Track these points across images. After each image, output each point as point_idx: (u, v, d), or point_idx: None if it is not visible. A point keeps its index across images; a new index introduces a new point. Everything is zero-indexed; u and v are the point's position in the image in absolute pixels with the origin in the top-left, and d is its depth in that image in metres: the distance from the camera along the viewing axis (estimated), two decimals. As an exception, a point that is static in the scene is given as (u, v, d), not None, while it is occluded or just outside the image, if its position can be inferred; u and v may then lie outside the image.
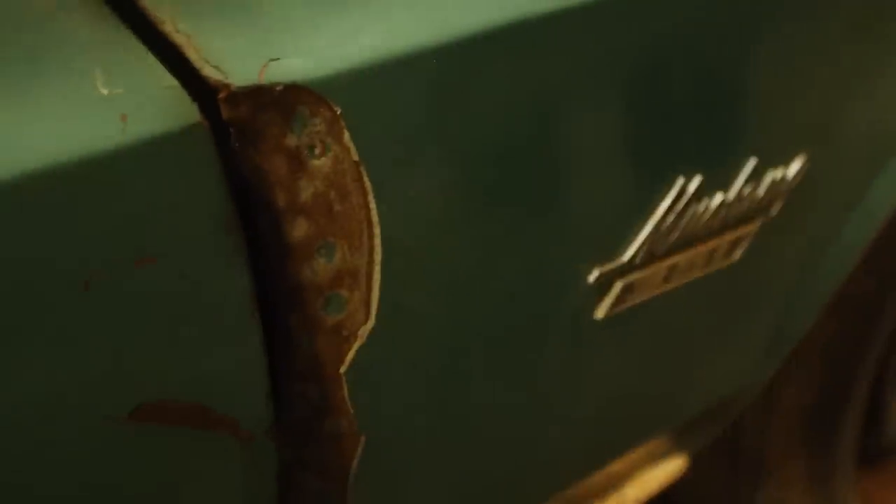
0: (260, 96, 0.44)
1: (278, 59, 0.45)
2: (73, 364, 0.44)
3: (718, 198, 0.73)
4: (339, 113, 0.46)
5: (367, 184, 0.49)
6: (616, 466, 0.98)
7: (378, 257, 0.53)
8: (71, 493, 0.48)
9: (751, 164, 0.73)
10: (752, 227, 0.79)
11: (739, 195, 0.74)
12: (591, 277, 0.66)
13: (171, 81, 0.44)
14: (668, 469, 1.04)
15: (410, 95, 0.50)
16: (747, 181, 0.73)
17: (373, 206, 0.51)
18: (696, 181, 0.69)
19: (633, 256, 0.69)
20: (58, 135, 0.40)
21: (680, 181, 0.67)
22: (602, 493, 1.01)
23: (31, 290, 0.41)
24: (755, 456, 1.22)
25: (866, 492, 1.42)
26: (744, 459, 1.23)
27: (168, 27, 0.44)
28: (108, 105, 0.41)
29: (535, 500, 0.87)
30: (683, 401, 0.97)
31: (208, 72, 0.44)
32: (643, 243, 0.68)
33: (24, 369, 0.43)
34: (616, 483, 1.01)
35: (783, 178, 0.78)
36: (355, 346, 0.55)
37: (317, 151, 0.48)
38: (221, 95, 0.43)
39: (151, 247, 0.44)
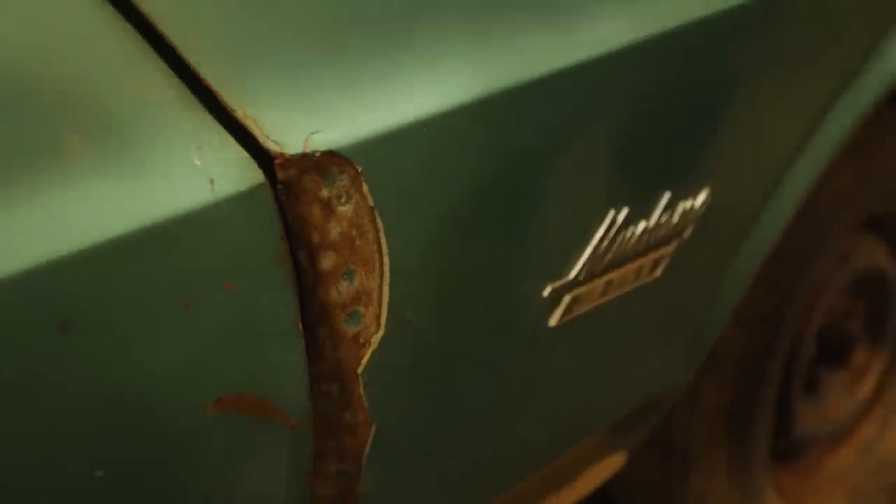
0: (304, 161, 0.59)
1: (317, 132, 0.60)
2: (177, 363, 0.59)
3: (642, 225, 0.87)
4: (359, 170, 0.61)
5: (380, 224, 0.64)
6: (562, 461, 1.08)
7: (387, 280, 0.67)
8: (166, 469, 0.62)
9: (666, 196, 0.88)
10: (669, 248, 0.93)
11: (658, 222, 0.88)
12: (546, 292, 0.81)
13: (242, 153, 0.58)
14: (609, 464, 1.17)
15: (410, 157, 0.66)
16: (664, 211, 0.88)
17: (384, 241, 0.65)
18: (624, 212, 0.83)
19: (578, 274, 0.83)
20: (171, 195, 0.55)
21: (612, 213, 0.82)
22: (550, 487, 1.11)
23: (150, 308, 0.56)
24: (682, 450, 1.35)
25: (781, 483, 1.53)
26: (673, 454, 1.35)
27: (240, 113, 0.58)
28: (201, 173, 0.56)
29: (503, 488, 1.00)
30: (619, 398, 1.10)
31: (268, 145, 0.58)
32: (585, 263, 0.83)
33: (144, 366, 0.57)
34: (563, 478, 1.13)
35: (692, 208, 0.92)
36: (369, 352, 0.69)
37: (342, 200, 0.62)
38: (277, 162, 0.58)
39: (231, 275, 0.58)
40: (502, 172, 0.75)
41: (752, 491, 1.46)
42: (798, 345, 1.47)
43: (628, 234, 0.88)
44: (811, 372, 1.55)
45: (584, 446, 1.13)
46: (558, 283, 0.84)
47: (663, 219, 0.91)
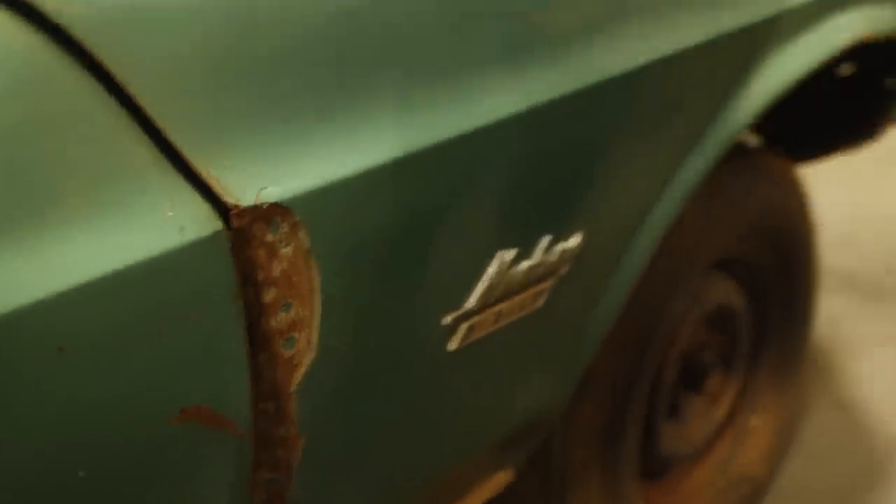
0: (254, 212, 0.70)
1: (265, 188, 0.70)
2: (151, 380, 0.69)
3: (526, 263, 0.99)
4: (297, 219, 0.72)
5: (313, 263, 0.75)
6: (457, 475, 1.17)
7: (318, 310, 0.77)
8: (138, 470, 0.71)
9: (546, 239, 1.00)
10: (549, 283, 1.04)
11: (539, 261, 1.00)
12: (445, 321, 0.92)
13: (206, 206, 0.69)
14: (498, 479, 1.22)
15: (339, 207, 0.77)
16: (544, 251, 1.00)
17: (316, 277, 0.76)
18: (511, 253, 0.96)
19: (473, 305, 0.94)
20: (149, 240, 0.65)
21: (501, 253, 0.95)
22: (448, 501, 1.18)
23: (131, 334, 0.66)
24: (560, 469, 1.39)
25: (649, 498, 1.62)
26: (552, 473, 1.40)
27: (204, 174, 0.68)
28: (173, 222, 0.66)
29: (411, 493, 1.09)
30: (506, 416, 1.17)
31: (226, 199, 0.69)
32: (480, 296, 0.94)
33: (125, 383, 0.67)
34: (458, 492, 1.19)
35: (568, 248, 1.04)
36: (302, 372, 0.79)
37: (283, 244, 0.73)
38: (233, 213, 0.69)
39: (196, 306, 0.69)
40: (412, 221, 0.87)
41: (623, 501, 1.52)
42: (661, 373, 1.54)
43: (515, 271, 0.99)
44: (673, 397, 1.62)
45: (475, 461, 1.20)
46: (456, 314, 0.94)
47: (543, 258, 1.02)
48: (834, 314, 2.49)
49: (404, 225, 0.86)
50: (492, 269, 0.96)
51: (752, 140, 1.80)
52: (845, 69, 1.76)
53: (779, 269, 1.77)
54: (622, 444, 1.47)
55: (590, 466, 1.43)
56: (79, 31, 0.69)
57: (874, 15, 1.48)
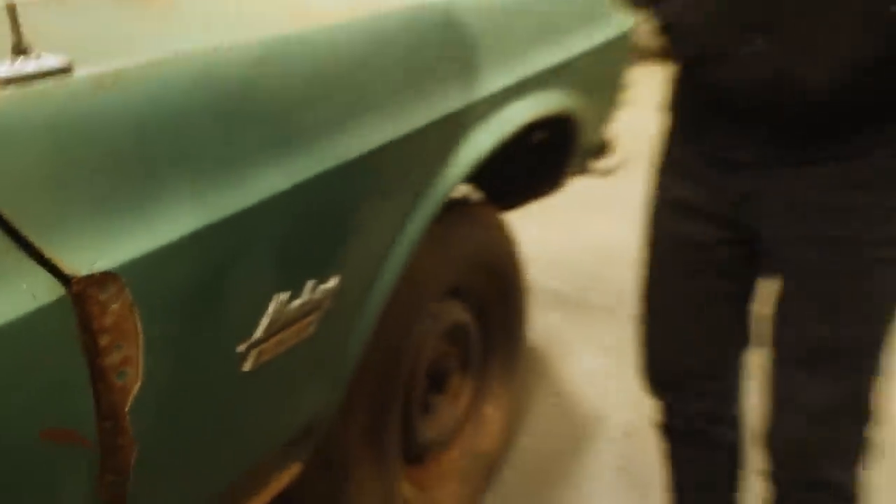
0: (89, 280, 0.78)
1: (97, 262, 0.79)
2: (19, 408, 0.75)
3: (297, 302, 1.09)
4: (122, 282, 0.80)
5: (136, 314, 0.83)
6: (255, 471, 1.20)
7: (142, 349, 0.86)
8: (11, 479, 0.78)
9: (311, 283, 1.10)
10: (316, 315, 1.14)
11: (307, 300, 1.10)
12: (240, 349, 1.00)
13: (52, 279, 0.76)
14: (289, 472, 1.28)
15: (153, 271, 0.85)
16: (311, 292, 1.10)
17: (138, 324, 0.84)
18: (286, 294, 1.05)
19: (260, 335, 1.03)
20: (11, 307, 0.73)
21: (277, 296, 1.04)
22: (249, 492, 1.21)
23: (9, 373, 0.72)
24: (340, 461, 1.46)
25: (412, 476, 1.71)
26: (334, 464, 1.46)
27: (50, 256, 0.77)
28: (27, 292, 0.74)
29: (220, 486, 1.13)
30: (292, 420, 1.24)
31: (68, 272, 0.77)
32: (264, 328, 1.03)
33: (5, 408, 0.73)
34: (256, 485, 1.23)
35: (328, 288, 1.14)
36: (132, 396, 0.87)
37: (113, 301, 0.81)
38: (73, 281, 0.77)
39: (53, 352, 0.77)
40: (208, 276, 0.96)
41: (391, 482, 1.58)
42: (413, 378, 1.62)
43: (289, 308, 1.08)
44: (424, 397, 1.70)
45: (272, 458, 1.24)
46: (248, 343, 1.03)
47: (310, 297, 1.12)
48: (549, 324, 2.64)
49: (202, 280, 0.95)
50: (272, 308, 1.06)
51: (473, 194, 1.89)
52: (538, 135, 1.83)
53: (496, 293, 1.87)
54: (387, 437, 1.54)
55: (362, 457, 1.48)
56: None
57: (540, 100, 1.63)
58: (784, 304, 1.30)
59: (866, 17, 1.05)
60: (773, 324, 1.32)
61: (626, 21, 1.94)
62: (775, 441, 1.36)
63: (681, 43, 1.23)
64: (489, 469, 1.94)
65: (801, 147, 1.19)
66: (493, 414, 1.94)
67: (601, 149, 2.12)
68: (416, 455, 1.73)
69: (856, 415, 1.29)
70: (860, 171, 1.17)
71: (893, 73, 1.07)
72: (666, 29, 1.21)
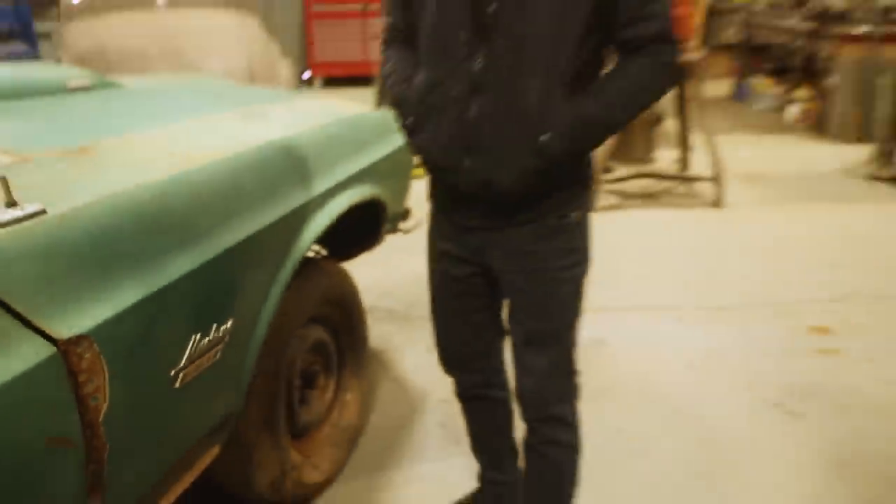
0: (71, 341, 0.86)
1: (74, 327, 0.86)
2: (30, 426, 0.82)
3: (207, 339, 1.15)
4: (92, 339, 0.88)
5: (102, 358, 0.90)
6: (188, 454, 1.20)
7: (107, 380, 0.92)
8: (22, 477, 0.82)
9: (216, 325, 1.16)
10: (221, 345, 1.19)
11: (214, 337, 1.15)
12: (172, 373, 1.06)
13: (45, 342, 0.83)
14: (210, 453, 1.29)
15: (108, 331, 0.91)
16: (215, 332, 1.16)
17: (104, 364, 0.91)
18: (200, 334, 1.12)
19: (184, 363, 1.07)
20: (18, 364, 0.79)
21: (194, 336, 1.11)
22: (180, 471, 1.20)
23: (18, 403, 0.79)
24: (246, 442, 1.47)
25: (298, 447, 1.69)
26: (242, 444, 1.46)
27: (44, 327, 0.84)
28: (28, 353, 0.81)
29: (159, 471, 1.14)
30: (212, 416, 1.26)
31: (56, 336, 0.84)
32: (187, 357, 1.09)
33: (11, 428, 0.81)
34: (186, 465, 1.22)
35: (227, 328, 1.20)
36: (103, 412, 0.92)
37: (86, 352, 0.88)
38: (59, 343, 0.84)
39: (48, 390, 0.84)
40: (147, 328, 1.01)
41: (283, 453, 1.58)
42: (291, 380, 1.63)
43: (202, 343, 1.14)
44: (301, 393, 1.71)
45: (199, 444, 1.25)
46: (177, 368, 1.09)
47: (215, 335, 1.18)
48: (384, 333, 2.65)
49: (143, 332, 1.01)
50: (190, 345, 1.12)
51: (322, 252, 1.90)
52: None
53: (343, 317, 1.88)
54: (277, 422, 1.56)
55: (262, 437, 1.51)
56: None
57: (358, 191, 1.71)
58: (511, 311, 1.36)
59: (527, 146, 1.15)
60: (508, 322, 1.39)
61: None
62: (519, 394, 1.41)
63: (427, 161, 1.28)
64: (352, 437, 1.95)
65: (505, 217, 1.25)
66: (350, 399, 1.95)
67: (404, 215, 2.16)
68: (299, 432, 1.72)
69: (564, 373, 1.37)
70: (541, 228, 1.25)
71: (548, 175, 1.18)
72: (417, 152, 1.28)
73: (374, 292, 2.87)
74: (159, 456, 1.14)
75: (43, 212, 0.93)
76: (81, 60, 3.69)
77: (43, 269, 0.89)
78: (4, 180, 0.89)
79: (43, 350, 0.85)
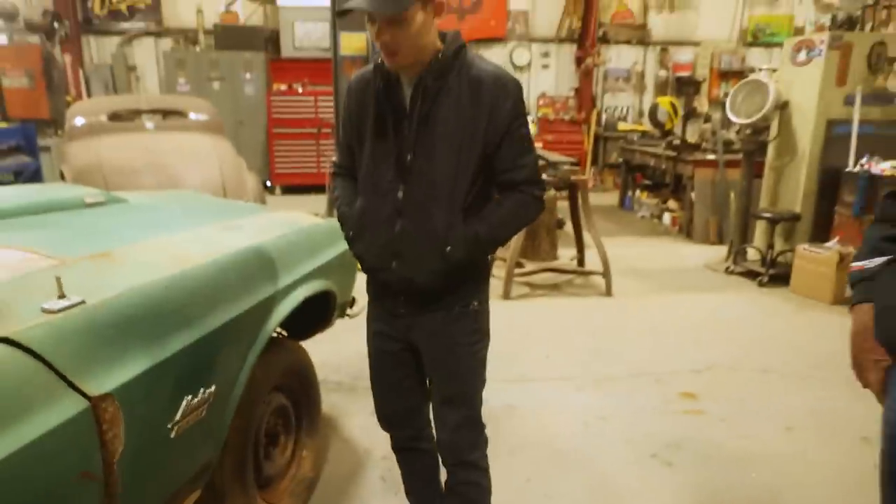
0: (98, 398, 0.98)
1: (102, 386, 0.99)
2: (67, 465, 0.93)
3: (196, 400, 1.21)
4: (113, 395, 1.00)
5: (120, 410, 1.02)
6: (178, 493, 1.26)
7: (123, 427, 1.03)
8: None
9: (202, 389, 1.25)
10: (206, 405, 1.26)
11: (201, 399, 1.25)
12: (170, 425, 1.15)
13: (81, 398, 0.95)
14: (194, 496, 1.34)
15: (125, 391, 1.02)
16: (202, 394, 1.24)
17: (122, 416, 1.02)
18: (190, 396, 1.21)
19: (178, 418, 1.17)
20: (58, 416, 0.91)
21: (186, 397, 1.20)
22: None
23: (60, 449, 0.92)
24: (221, 488, 1.50)
25: (264, 496, 1.72)
26: (217, 490, 1.50)
27: (77, 384, 0.96)
28: (67, 407, 0.93)
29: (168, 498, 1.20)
30: (196, 461, 1.30)
31: (89, 393, 0.97)
32: (181, 414, 1.18)
33: (51, 466, 0.93)
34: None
35: (210, 392, 1.28)
36: (119, 452, 1.03)
37: (110, 406, 1.00)
38: (91, 398, 0.97)
39: (80, 435, 0.95)
40: (155, 391, 1.12)
41: (251, 500, 1.60)
42: (258, 438, 1.67)
43: (192, 403, 1.23)
44: (266, 449, 1.74)
45: (186, 486, 1.30)
46: (172, 422, 1.17)
47: (202, 397, 1.27)
48: (335, 401, 2.66)
49: (148, 392, 1.11)
50: (184, 404, 1.21)
51: (283, 333, 1.94)
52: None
53: (301, 386, 1.91)
54: (246, 473, 1.59)
55: (233, 484, 1.54)
56: (36, 346, 0.95)
57: (313, 285, 1.78)
58: (431, 378, 1.47)
59: (436, 254, 1.29)
60: (430, 387, 1.50)
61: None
62: (439, 444, 1.50)
63: (363, 263, 1.41)
64: (308, 488, 1.96)
65: (423, 306, 1.37)
66: (306, 455, 1.96)
67: (350, 303, 2.21)
68: (264, 483, 1.74)
69: (473, 426, 1.46)
70: (450, 315, 1.37)
71: (452, 276, 1.31)
72: (356, 257, 1.43)
73: (326, 368, 2.90)
74: (158, 492, 1.21)
75: (83, 302, 1.08)
76: (81, 173, 3.71)
77: (81, 343, 1.03)
78: (58, 279, 1.06)
79: (79, 404, 0.98)
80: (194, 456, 1.33)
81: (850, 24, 4.15)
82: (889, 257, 1.00)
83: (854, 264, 1.08)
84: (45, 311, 1.02)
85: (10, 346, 0.93)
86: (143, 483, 1.14)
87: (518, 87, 1.33)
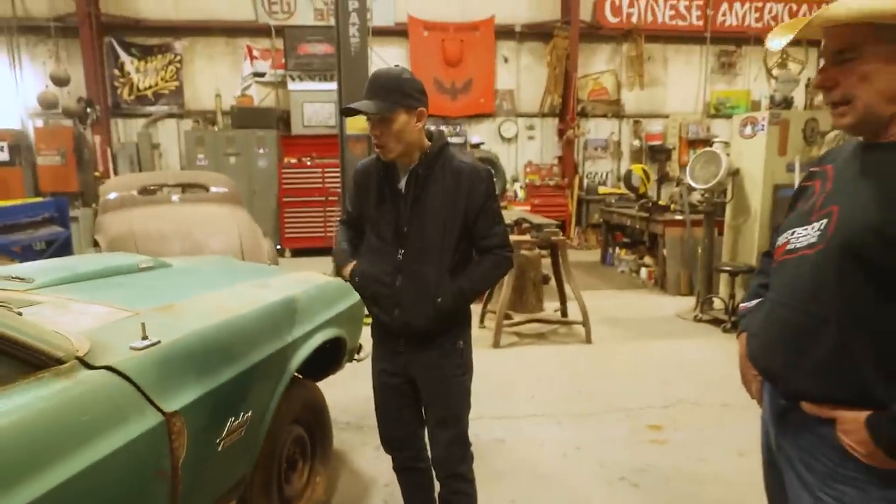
0: (171, 414, 1.21)
1: (172, 405, 1.27)
2: (143, 466, 1.17)
3: (237, 422, 1.42)
4: (181, 413, 1.23)
5: (185, 425, 1.24)
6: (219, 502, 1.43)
7: (186, 437, 1.24)
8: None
9: (242, 413, 1.42)
10: (244, 427, 1.43)
11: (241, 421, 1.43)
12: (218, 440, 1.34)
13: (159, 413, 1.20)
14: None
15: (189, 410, 1.27)
16: (241, 418, 1.43)
17: (185, 429, 1.24)
18: (234, 418, 1.40)
19: (224, 434, 1.36)
20: (141, 426, 1.16)
21: (230, 419, 1.40)
22: None
23: (137, 459, 1.16)
24: (251, 501, 1.64)
25: None
26: (249, 501, 1.65)
27: (158, 403, 1.19)
28: (148, 419, 1.19)
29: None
30: (235, 474, 1.49)
31: (164, 409, 1.20)
32: (226, 432, 1.34)
33: (133, 466, 1.17)
34: None
35: (247, 416, 1.46)
36: (182, 457, 1.24)
37: (178, 421, 1.22)
38: (166, 414, 1.22)
39: (157, 444, 1.18)
40: (207, 411, 1.31)
41: None
42: (280, 463, 1.82)
43: (234, 424, 1.43)
44: (287, 473, 1.88)
45: (226, 495, 1.48)
46: (220, 437, 1.36)
47: (241, 419, 1.46)
48: (344, 437, 2.78)
49: (205, 411, 1.32)
50: (228, 424, 1.42)
51: (300, 375, 2.03)
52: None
53: (316, 421, 2.07)
54: (272, 491, 1.75)
55: (261, 500, 1.70)
56: (129, 373, 1.17)
57: (326, 332, 1.98)
58: (426, 405, 1.65)
59: (429, 304, 1.49)
60: (425, 413, 1.66)
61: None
62: (434, 460, 1.65)
63: (370, 309, 1.58)
64: None
65: (419, 345, 1.56)
66: (319, 481, 2.08)
67: (358, 349, 2.37)
68: (285, 502, 1.87)
69: (461, 443, 1.64)
70: (441, 351, 1.56)
71: (443, 321, 1.50)
72: (365, 304, 1.64)
73: (336, 409, 2.96)
74: (207, 494, 1.42)
75: (159, 342, 1.33)
76: (115, 241, 3.94)
77: (158, 372, 1.27)
78: (143, 325, 1.35)
79: (158, 417, 1.21)
80: (234, 469, 1.52)
81: (787, 103, 4.51)
82: (761, 299, 1.24)
83: (741, 305, 1.35)
84: (132, 348, 1.27)
85: (112, 373, 1.19)
86: (198, 486, 1.34)
87: (490, 175, 1.63)
